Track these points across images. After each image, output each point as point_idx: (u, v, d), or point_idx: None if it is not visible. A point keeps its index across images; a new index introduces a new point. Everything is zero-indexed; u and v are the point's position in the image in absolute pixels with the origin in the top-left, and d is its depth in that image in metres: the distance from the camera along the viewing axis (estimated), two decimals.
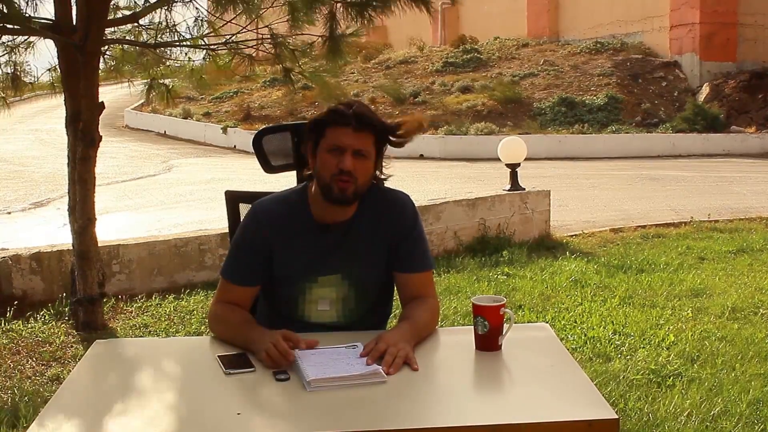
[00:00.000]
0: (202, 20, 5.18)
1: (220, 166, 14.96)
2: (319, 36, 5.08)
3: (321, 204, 2.09)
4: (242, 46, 5.13)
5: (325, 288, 2.13)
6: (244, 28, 5.08)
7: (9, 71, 5.05)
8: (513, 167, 7.14)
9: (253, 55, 5.27)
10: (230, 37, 5.14)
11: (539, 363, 1.89)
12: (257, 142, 2.43)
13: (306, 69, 5.18)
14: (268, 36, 5.06)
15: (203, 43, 5.25)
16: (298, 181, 2.46)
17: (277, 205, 2.14)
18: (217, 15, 5.14)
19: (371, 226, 2.13)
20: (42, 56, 5.21)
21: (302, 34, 5.06)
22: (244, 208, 2.44)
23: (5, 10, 4.25)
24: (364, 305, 2.17)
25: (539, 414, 1.62)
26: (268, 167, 2.44)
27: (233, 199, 2.46)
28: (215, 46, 5.28)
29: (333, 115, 2.05)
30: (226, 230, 2.53)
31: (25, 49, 4.97)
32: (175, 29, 5.12)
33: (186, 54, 5.34)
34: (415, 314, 2.07)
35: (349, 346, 1.90)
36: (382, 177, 2.16)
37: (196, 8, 5.09)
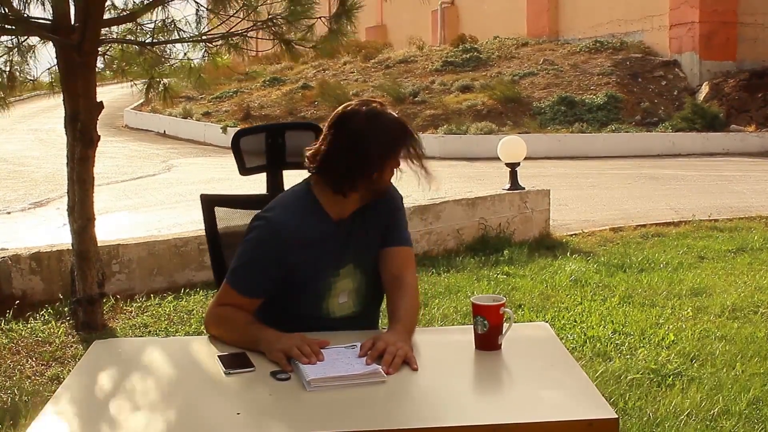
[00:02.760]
0: (200, 16, 5.17)
1: (220, 166, 14.94)
2: (319, 18, 5.06)
3: (334, 200, 2.12)
4: (240, 37, 5.10)
5: (345, 279, 2.16)
6: (242, 19, 5.06)
7: (6, 70, 5.04)
8: (513, 166, 7.14)
9: (253, 49, 5.24)
10: (227, 32, 5.13)
11: (539, 363, 1.89)
12: (235, 143, 2.43)
13: (309, 41, 5.13)
14: (265, 21, 5.02)
15: (201, 39, 5.24)
16: (268, 183, 2.46)
17: (290, 213, 2.10)
18: (215, 12, 5.13)
19: (369, 213, 2.18)
20: (41, 56, 5.21)
21: (301, 18, 5.03)
22: (219, 212, 2.43)
23: (4, 11, 4.25)
24: (372, 291, 2.21)
25: (539, 414, 1.62)
26: (243, 169, 2.45)
27: (209, 202, 2.45)
28: (212, 39, 5.25)
29: (406, 142, 2.11)
30: (205, 234, 2.52)
31: (26, 52, 4.96)
32: (174, 26, 5.11)
33: (186, 54, 5.33)
34: (402, 309, 2.08)
35: (348, 346, 1.90)
36: None
37: (196, 3, 5.08)
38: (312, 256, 2.10)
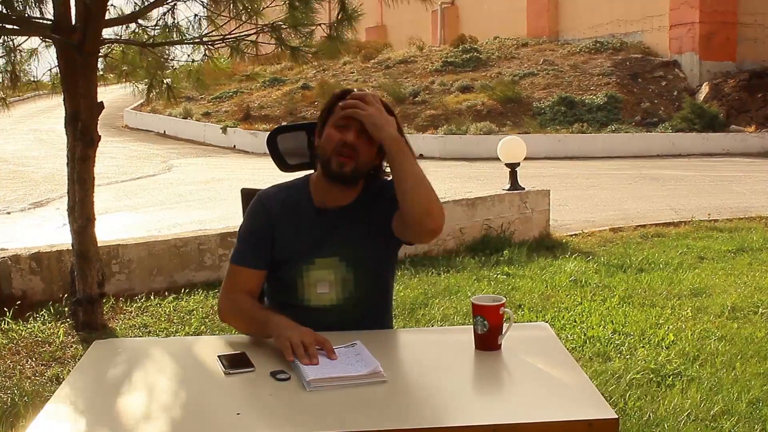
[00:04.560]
0: (200, 18, 5.17)
1: (220, 166, 14.96)
2: (319, 24, 5.06)
3: (322, 188, 2.15)
4: (242, 41, 5.10)
5: (322, 270, 2.14)
6: (244, 22, 5.06)
7: (8, 70, 5.04)
8: (513, 167, 7.14)
9: (254, 52, 5.24)
10: (228, 34, 5.12)
11: (539, 363, 1.89)
12: (272, 142, 2.43)
13: (311, 46, 5.13)
14: (268, 26, 5.02)
15: (202, 41, 5.24)
16: None
17: (279, 191, 2.21)
18: (216, 12, 5.13)
19: (369, 210, 2.16)
20: (42, 56, 5.21)
21: (302, 25, 5.02)
22: None
23: (5, 10, 4.25)
24: (364, 287, 2.17)
25: (539, 414, 1.62)
26: (285, 166, 2.45)
27: (249, 196, 2.47)
28: (214, 43, 5.25)
29: (343, 92, 2.12)
30: (226, 230, 2.56)
31: (29, 56, 4.97)
32: (176, 27, 5.11)
33: (189, 54, 5.33)
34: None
35: (348, 346, 1.90)
36: (385, 176, 2.17)
37: (200, 4, 5.07)
38: (289, 233, 2.14)
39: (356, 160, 2.07)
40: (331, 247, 2.14)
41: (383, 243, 2.18)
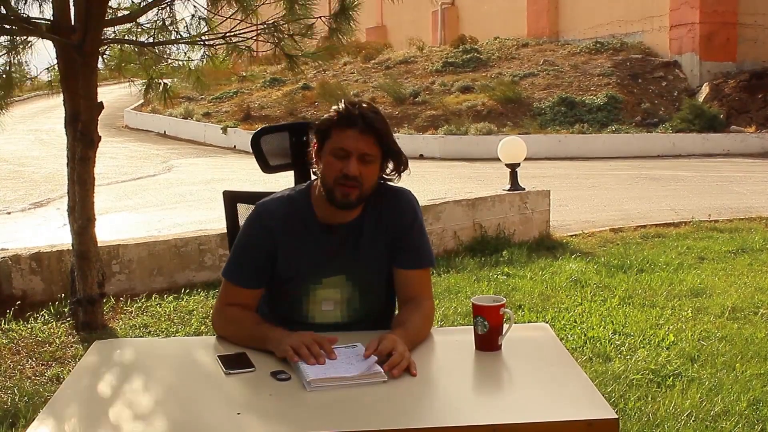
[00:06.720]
0: (199, 18, 5.17)
1: (220, 166, 14.96)
2: (318, 17, 5.05)
3: (325, 205, 2.07)
4: (240, 39, 5.09)
5: (329, 289, 2.11)
6: (242, 21, 5.05)
7: (5, 69, 5.03)
8: (513, 167, 7.14)
9: (253, 50, 5.24)
10: (227, 33, 5.12)
11: (539, 363, 1.89)
12: (255, 142, 2.43)
13: (308, 51, 5.12)
14: (266, 26, 5.02)
15: (201, 40, 5.24)
16: (296, 180, 2.46)
17: (280, 206, 2.11)
18: (214, 12, 5.13)
19: (374, 226, 2.11)
20: (42, 55, 5.21)
21: (301, 19, 5.01)
22: (242, 208, 2.43)
23: (4, 11, 4.25)
24: (369, 305, 2.16)
25: (539, 414, 1.62)
26: (267, 167, 2.44)
27: (231, 198, 2.46)
28: (213, 42, 5.25)
29: (340, 115, 2.02)
30: (226, 230, 2.54)
31: (23, 48, 4.95)
32: (175, 27, 5.11)
33: (186, 54, 5.33)
34: (409, 321, 2.02)
35: (349, 346, 1.90)
36: (388, 179, 2.13)
37: (194, 6, 5.08)
38: (293, 252, 2.08)
39: (360, 189, 2.01)
40: (337, 265, 2.10)
41: (387, 263, 2.14)
